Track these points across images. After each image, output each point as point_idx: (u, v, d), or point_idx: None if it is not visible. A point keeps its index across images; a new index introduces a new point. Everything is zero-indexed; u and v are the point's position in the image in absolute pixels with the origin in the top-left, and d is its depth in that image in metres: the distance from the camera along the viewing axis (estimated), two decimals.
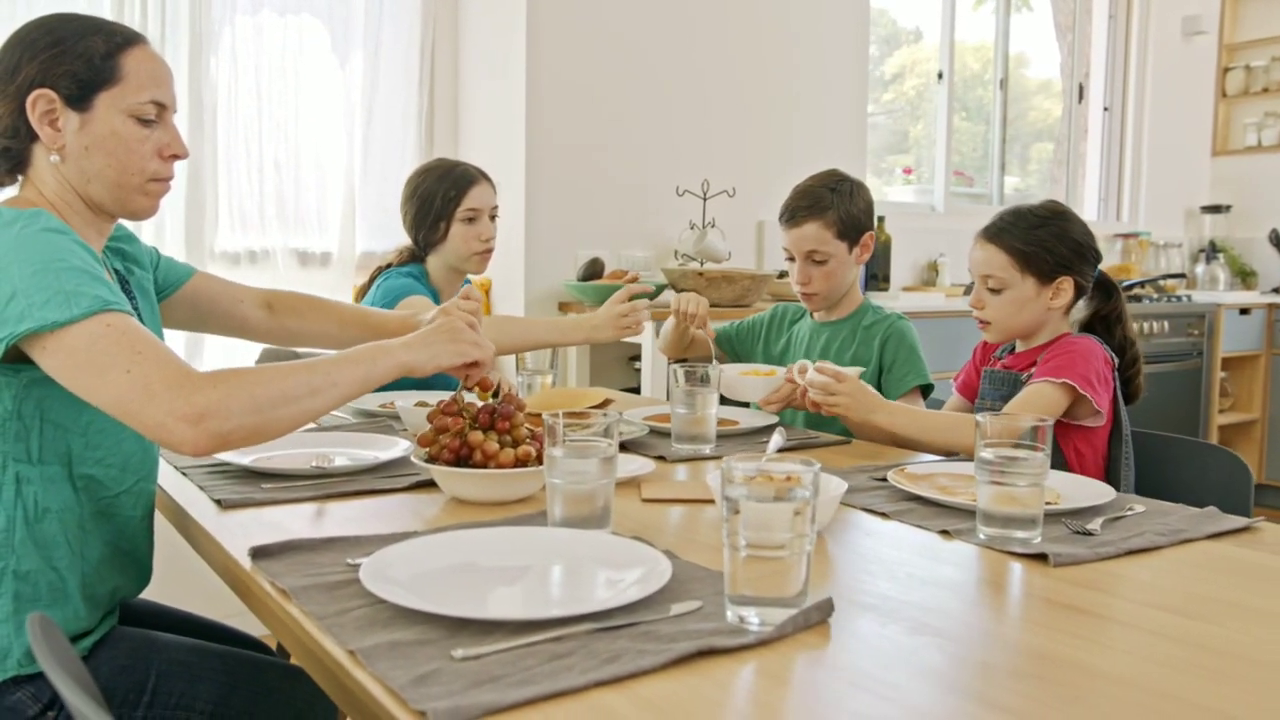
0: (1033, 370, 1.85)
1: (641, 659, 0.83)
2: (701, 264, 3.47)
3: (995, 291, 1.86)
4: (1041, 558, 1.15)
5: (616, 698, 0.79)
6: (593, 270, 3.33)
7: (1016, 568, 1.14)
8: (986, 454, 1.21)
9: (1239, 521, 1.30)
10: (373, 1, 3.35)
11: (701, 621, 0.92)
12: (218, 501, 1.34)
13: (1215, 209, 5.31)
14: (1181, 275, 4.93)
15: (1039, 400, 1.74)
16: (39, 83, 1.25)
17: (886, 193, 4.68)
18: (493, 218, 2.36)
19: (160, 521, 1.43)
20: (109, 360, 1.11)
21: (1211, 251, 5.23)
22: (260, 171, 3.21)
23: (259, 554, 1.10)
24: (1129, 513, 1.35)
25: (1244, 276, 5.27)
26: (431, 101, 3.56)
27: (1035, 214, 1.86)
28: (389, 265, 2.37)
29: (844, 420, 1.85)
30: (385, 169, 3.41)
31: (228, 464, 1.50)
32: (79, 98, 1.27)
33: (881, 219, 4.11)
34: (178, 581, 2.00)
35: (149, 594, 1.68)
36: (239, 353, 2.81)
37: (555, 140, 3.39)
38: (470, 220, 2.31)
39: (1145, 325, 4.31)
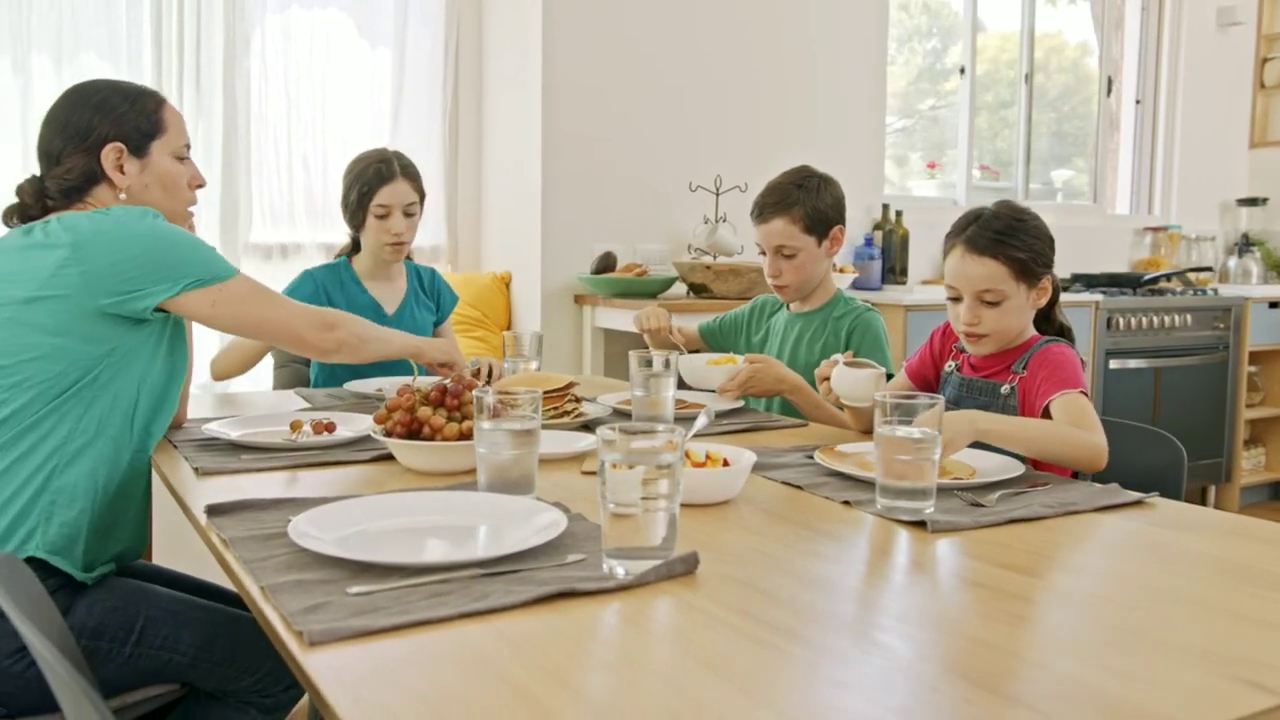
0: (1012, 380, 1.79)
1: (508, 597, 0.95)
2: (714, 258, 3.58)
3: (992, 304, 1.75)
4: (923, 525, 1.25)
5: (479, 630, 0.91)
6: (605, 264, 3.46)
7: (901, 533, 1.24)
8: (884, 430, 1.31)
9: (1131, 496, 1.39)
10: (399, 1, 3.52)
11: (579, 570, 1.04)
12: (196, 470, 1.49)
13: (1252, 201, 5.26)
14: (1209, 269, 4.90)
15: (1081, 409, 1.65)
16: (112, 137, 1.57)
17: (911, 186, 4.73)
18: (408, 214, 2.41)
19: (165, 492, 1.59)
20: (268, 299, 1.61)
21: (1245, 244, 5.19)
22: (290, 168, 3.41)
23: (213, 511, 1.24)
24: (1033, 489, 1.44)
25: (1278, 270, 5.22)
26: (456, 100, 3.71)
27: (1015, 218, 1.78)
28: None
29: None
30: None
31: (215, 437, 1.66)
32: (141, 147, 1.60)
33: (899, 214, 4.18)
34: (183, 544, 2.16)
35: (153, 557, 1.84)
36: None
37: (572, 137, 3.52)
38: (382, 216, 2.39)
39: (1169, 318, 4.31)
